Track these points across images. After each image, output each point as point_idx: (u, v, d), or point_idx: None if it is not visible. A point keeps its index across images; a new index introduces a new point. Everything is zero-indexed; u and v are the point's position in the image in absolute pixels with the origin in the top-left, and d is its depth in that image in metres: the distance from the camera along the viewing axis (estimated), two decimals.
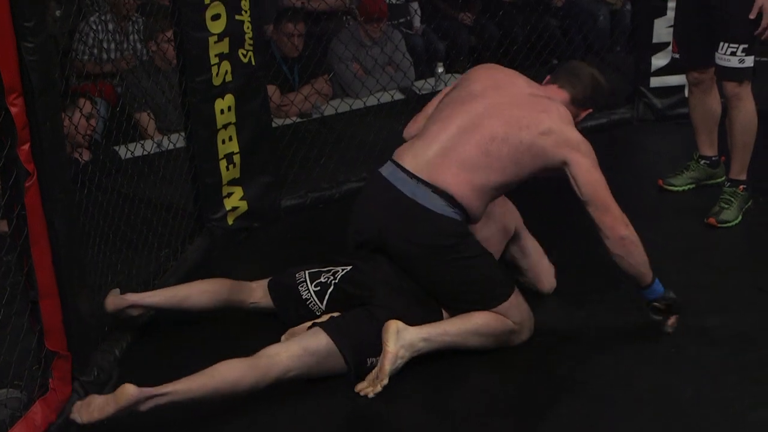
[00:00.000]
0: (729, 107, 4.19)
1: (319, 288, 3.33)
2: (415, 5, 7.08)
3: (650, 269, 3.28)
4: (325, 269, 3.39)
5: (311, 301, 3.33)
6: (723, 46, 4.07)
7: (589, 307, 3.60)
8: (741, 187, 4.22)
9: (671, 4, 4.83)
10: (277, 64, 5.65)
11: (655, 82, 5.45)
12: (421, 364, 3.20)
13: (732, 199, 4.21)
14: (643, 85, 5.47)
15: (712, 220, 4.17)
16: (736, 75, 4.08)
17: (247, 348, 3.08)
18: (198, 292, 3.43)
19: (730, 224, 4.17)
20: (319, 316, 3.28)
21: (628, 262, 3.24)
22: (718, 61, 4.11)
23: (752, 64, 4.08)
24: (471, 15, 7.09)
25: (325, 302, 3.31)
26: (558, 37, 6.60)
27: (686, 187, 4.55)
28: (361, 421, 3.09)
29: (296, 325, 3.28)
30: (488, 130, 3.19)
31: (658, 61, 5.40)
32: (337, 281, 3.33)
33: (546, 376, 3.22)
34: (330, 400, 3.11)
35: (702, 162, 4.54)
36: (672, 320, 3.35)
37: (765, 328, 3.41)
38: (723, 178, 4.39)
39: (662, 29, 5.27)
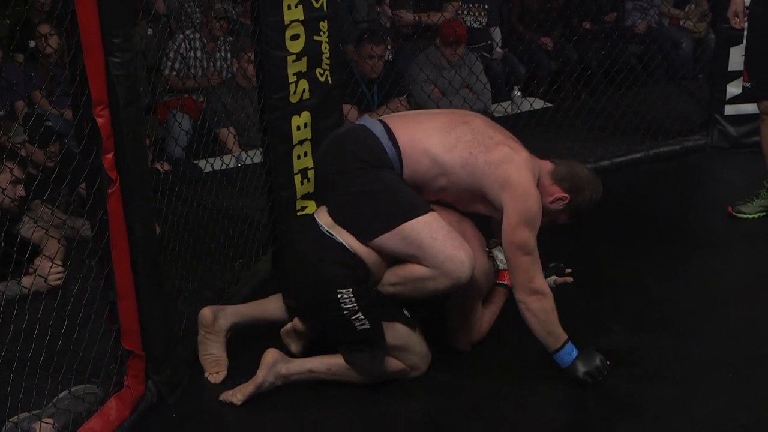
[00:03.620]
0: None
1: None
2: (496, 30, 7.19)
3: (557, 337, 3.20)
4: None
5: None
6: None
7: (652, 331, 3.62)
8: None
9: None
10: (354, 83, 5.76)
11: (731, 110, 5.44)
12: (473, 380, 3.31)
13: None
14: (718, 112, 5.46)
15: None
16: None
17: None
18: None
19: None
20: None
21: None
22: None
23: None
24: (551, 40, 7.17)
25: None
26: (633, 64, 6.62)
27: (756, 215, 4.54)
28: None
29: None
30: None
31: (734, 89, 5.37)
32: None
33: (603, 398, 3.23)
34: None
35: None
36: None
37: None
38: None
39: (738, 57, 5.23)
